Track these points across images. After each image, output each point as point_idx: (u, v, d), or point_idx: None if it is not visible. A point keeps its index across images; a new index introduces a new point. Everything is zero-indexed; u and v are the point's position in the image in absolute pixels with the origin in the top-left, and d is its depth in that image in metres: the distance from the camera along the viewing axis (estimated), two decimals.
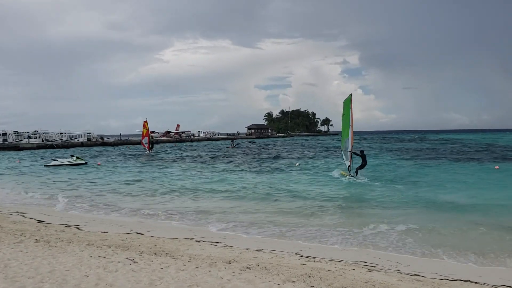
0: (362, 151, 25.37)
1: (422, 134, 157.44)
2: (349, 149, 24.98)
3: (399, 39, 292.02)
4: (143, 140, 58.74)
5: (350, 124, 24.82)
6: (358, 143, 64.87)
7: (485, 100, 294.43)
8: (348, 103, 25.54)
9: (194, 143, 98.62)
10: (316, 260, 9.19)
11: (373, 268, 8.82)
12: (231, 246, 10.35)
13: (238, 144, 78.43)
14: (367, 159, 25.50)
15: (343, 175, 25.73)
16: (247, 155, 50.90)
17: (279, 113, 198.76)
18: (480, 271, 9.08)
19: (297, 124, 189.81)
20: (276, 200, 18.16)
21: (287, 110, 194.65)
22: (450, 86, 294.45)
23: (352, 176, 24.67)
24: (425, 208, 15.88)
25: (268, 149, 63.06)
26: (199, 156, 50.75)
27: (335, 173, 27.26)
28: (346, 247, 10.98)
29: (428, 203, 16.82)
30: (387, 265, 9.20)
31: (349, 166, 25.48)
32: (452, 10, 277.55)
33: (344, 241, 11.64)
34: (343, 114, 26.42)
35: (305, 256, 9.59)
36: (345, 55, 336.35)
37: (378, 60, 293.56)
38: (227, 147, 73.00)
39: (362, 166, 25.01)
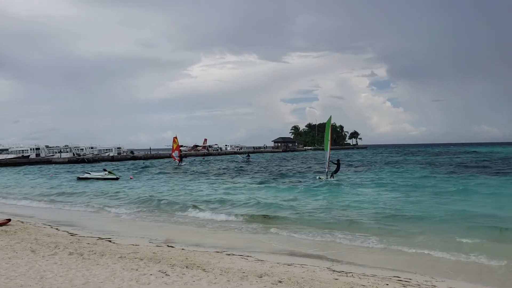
0: (338, 160, 33.21)
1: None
2: (327, 158, 32.50)
3: (427, 51, 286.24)
4: (173, 154, 63.36)
5: (329, 139, 32.78)
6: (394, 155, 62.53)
7: None
8: (328, 124, 33.96)
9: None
10: (348, 274, 9.03)
11: (407, 283, 8.60)
12: (261, 260, 10.28)
13: (250, 158, 78.77)
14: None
15: (321, 179, 32.16)
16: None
17: (306, 126, 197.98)
18: None
19: (324, 137, 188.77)
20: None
21: (313, 123, 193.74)
22: (480, 99, 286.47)
23: (328, 179, 31.37)
24: (465, 222, 15.37)
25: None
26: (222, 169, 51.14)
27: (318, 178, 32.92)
28: (380, 262, 10.74)
29: (468, 217, 16.28)
30: (422, 280, 8.95)
31: (327, 172, 32.74)
32: (481, 22, 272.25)
33: (379, 255, 11.44)
34: (325, 132, 34.70)
35: (337, 270, 9.44)
36: (372, 68, 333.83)
37: (406, 73, 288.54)
38: (242, 161, 73.61)
39: (336, 171, 32.48)
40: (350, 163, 55.01)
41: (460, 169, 42.21)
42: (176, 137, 63.00)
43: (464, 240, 12.39)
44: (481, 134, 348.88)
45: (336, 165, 32.48)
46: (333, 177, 31.77)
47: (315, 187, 28.22)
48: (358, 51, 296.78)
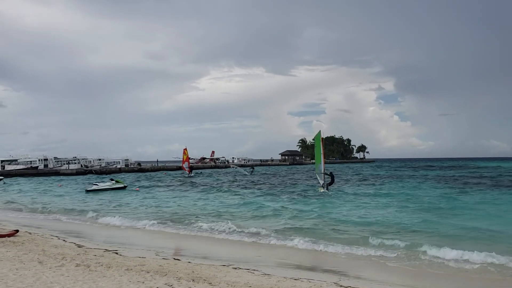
0: (331, 173, 35.05)
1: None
2: (322, 171, 34.31)
3: (435, 65, 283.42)
4: (183, 165, 68.07)
5: (322, 153, 34.50)
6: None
7: None
8: (318, 137, 35.90)
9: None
10: None
11: None
12: (268, 274, 10.22)
13: (253, 170, 79.67)
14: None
15: (320, 190, 33.68)
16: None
17: (313, 139, 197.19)
18: None
19: (331, 150, 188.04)
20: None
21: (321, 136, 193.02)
22: (489, 113, 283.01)
23: (325, 191, 33.02)
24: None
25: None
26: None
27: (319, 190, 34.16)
28: (388, 277, 10.66)
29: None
30: None
31: (323, 183, 34.16)
32: (490, 35, 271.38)
33: (386, 270, 11.36)
34: (315, 146, 37.23)
35: (344, 286, 9.36)
36: (380, 82, 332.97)
37: (414, 86, 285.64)
38: (246, 173, 74.11)
39: (330, 183, 34.22)
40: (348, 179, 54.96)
41: (469, 185, 42.00)
42: (186, 149, 67.62)
43: (474, 255, 12.29)
44: (490, 149, 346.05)
45: (330, 178, 34.33)
46: (328, 189, 33.49)
47: (315, 199, 28.40)
48: (366, 65, 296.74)
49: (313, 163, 40.64)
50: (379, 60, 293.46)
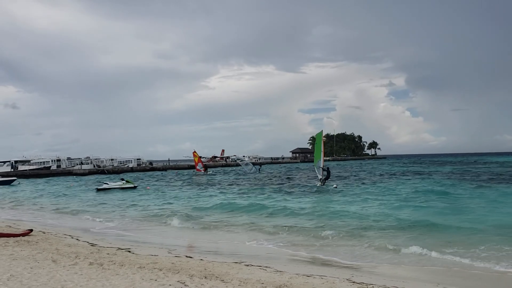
0: (327, 168, 37.79)
1: None
2: (321, 166, 36.47)
3: (446, 60, 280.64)
4: (197, 166, 71.23)
5: (322, 150, 36.77)
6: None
7: None
8: (319, 135, 39.34)
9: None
10: (369, 286, 8.89)
11: None
12: (280, 271, 10.19)
13: (260, 168, 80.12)
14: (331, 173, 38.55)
15: (318, 184, 36.63)
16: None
17: (324, 136, 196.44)
18: None
19: (342, 147, 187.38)
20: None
21: (331, 133, 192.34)
22: (502, 108, 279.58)
23: (322, 185, 35.63)
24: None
25: None
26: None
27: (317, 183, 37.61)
28: (401, 273, 10.57)
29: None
30: None
31: (320, 178, 36.78)
32: (502, 30, 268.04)
33: (400, 266, 11.28)
34: (315, 144, 40.75)
35: (357, 282, 9.29)
36: (391, 77, 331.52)
37: (425, 82, 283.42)
38: (253, 172, 74.23)
39: (327, 178, 36.80)
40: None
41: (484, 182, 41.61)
42: (195, 152, 71.85)
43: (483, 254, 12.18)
44: (504, 144, 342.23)
45: (326, 173, 36.83)
46: (324, 183, 36.08)
47: (319, 195, 28.44)
48: (376, 61, 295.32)
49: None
50: (389, 56, 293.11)
